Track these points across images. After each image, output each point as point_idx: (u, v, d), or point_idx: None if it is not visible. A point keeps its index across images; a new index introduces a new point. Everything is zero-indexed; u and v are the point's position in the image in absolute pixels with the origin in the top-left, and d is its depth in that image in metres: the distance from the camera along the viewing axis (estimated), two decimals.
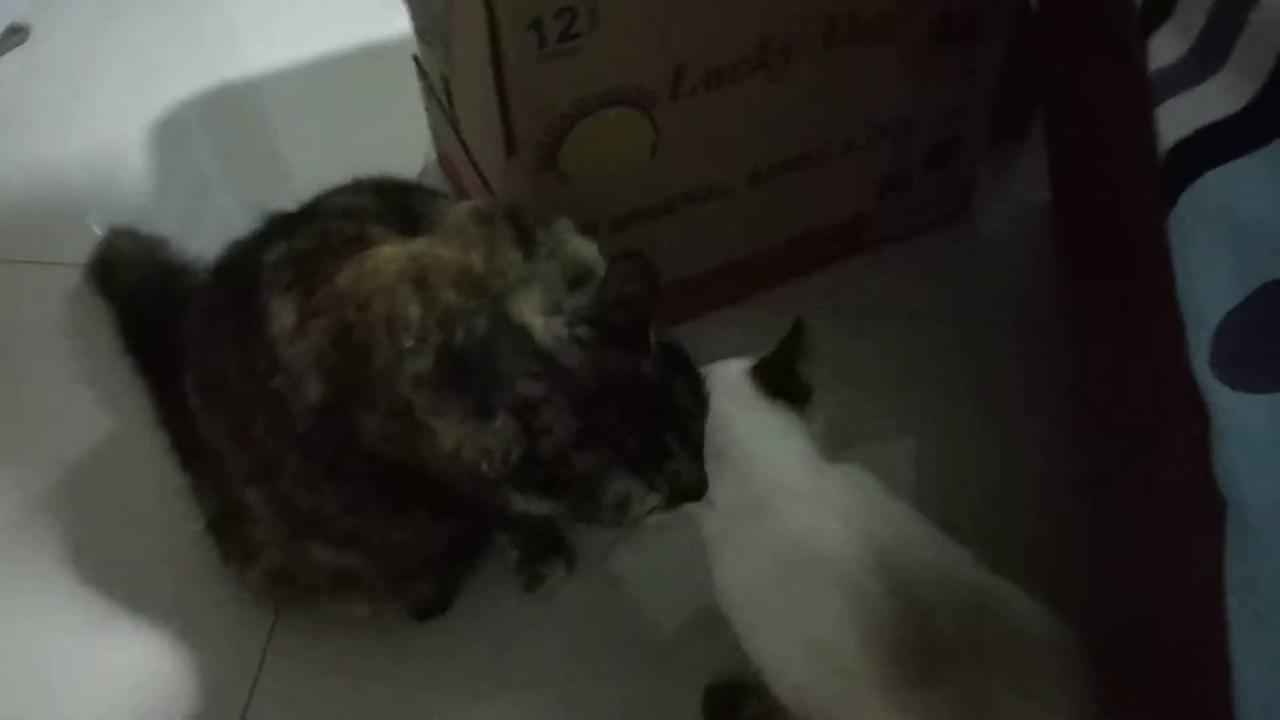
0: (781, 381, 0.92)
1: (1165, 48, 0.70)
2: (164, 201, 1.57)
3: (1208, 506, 0.59)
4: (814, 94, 1.16)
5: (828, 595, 0.84)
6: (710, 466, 0.88)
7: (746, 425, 0.90)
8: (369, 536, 1.04)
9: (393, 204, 0.95)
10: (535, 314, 0.87)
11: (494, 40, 0.98)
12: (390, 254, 0.90)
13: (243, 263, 0.98)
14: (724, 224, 1.25)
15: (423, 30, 1.23)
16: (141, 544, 1.26)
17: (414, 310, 0.87)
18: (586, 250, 0.95)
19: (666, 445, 0.87)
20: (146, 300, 1.38)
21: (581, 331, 0.86)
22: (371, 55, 1.73)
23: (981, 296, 1.41)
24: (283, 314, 0.91)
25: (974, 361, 1.35)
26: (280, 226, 0.97)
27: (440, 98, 1.31)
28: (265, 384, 0.93)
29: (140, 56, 1.77)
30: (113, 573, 1.24)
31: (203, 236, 1.16)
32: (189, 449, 1.20)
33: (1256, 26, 0.62)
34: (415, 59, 1.37)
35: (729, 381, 0.92)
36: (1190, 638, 0.67)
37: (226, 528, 1.12)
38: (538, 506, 0.90)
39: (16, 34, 1.75)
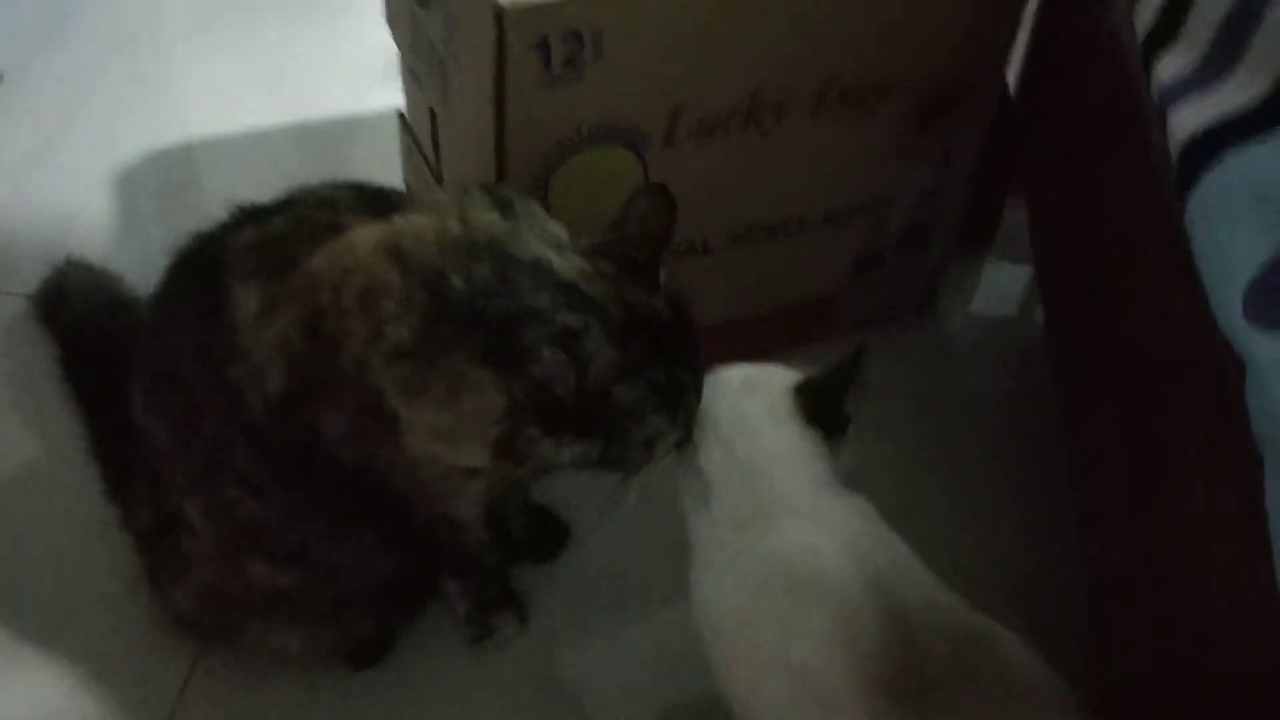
0: (823, 406, 0.90)
1: (1173, 65, 0.73)
2: (122, 244, 1.54)
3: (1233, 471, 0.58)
4: (801, 158, 1.18)
5: (816, 613, 0.80)
6: (722, 470, 0.86)
7: (774, 439, 0.88)
8: (309, 553, 0.97)
9: (372, 198, 0.93)
10: (547, 250, 0.85)
11: (499, 59, 0.98)
12: (365, 232, 0.87)
13: (206, 248, 0.94)
14: (700, 284, 1.24)
15: (413, 68, 1.24)
16: (55, 576, 1.18)
17: (393, 276, 0.84)
18: (560, 231, 0.93)
19: (683, 382, 0.86)
20: (93, 330, 1.33)
21: (605, 265, 0.85)
22: (344, 127, 1.74)
23: (948, 382, 1.44)
24: (247, 299, 0.87)
25: (940, 441, 1.35)
26: (250, 214, 0.94)
27: (425, 150, 1.30)
28: (221, 373, 0.88)
29: (108, 107, 1.77)
30: (21, 605, 1.15)
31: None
32: (121, 474, 1.14)
33: (1271, 27, 0.65)
34: (400, 114, 1.38)
35: (771, 392, 0.90)
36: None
37: (157, 543, 1.04)
38: (570, 452, 0.86)
39: None
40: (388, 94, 1.53)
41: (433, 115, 1.22)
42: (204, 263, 0.92)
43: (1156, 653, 0.83)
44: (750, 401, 0.89)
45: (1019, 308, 1.61)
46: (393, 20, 1.26)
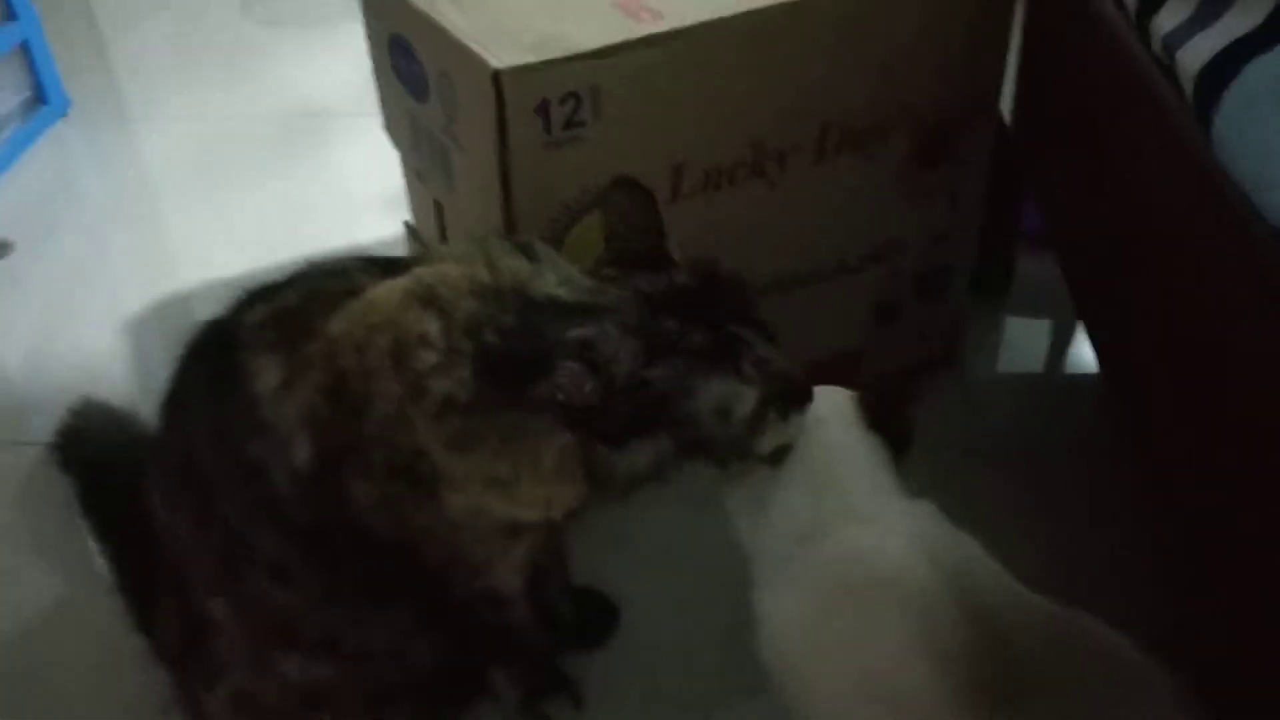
0: (886, 415, 0.87)
1: (1171, 18, 0.73)
2: (134, 387, 1.54)
3: None
4: (809, 206, 1.18)
5: (891, 618, 0.75)
6: (786, 481, 0.83)
7: (840, 444, 0.86)
8: (344, 641, 0.93)
9: (383, 264, 0.91)
10: (558, 287, 0.84)
11: (501, 126, 1.00)
12: (388, 287, 0.86)
13: (217, 332, 0.91)
14: None
15: (416, 167, 1.25)
16: (89, 714, 1.13)
17: (432, 325, 0.82)
18: (574, 269, 0.90)
19: (738, 336, 0.82)
20: (111, 465, 1.30)
21: (609, 271, 0.84)
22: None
23: (977, 432, 1.40)
24: (266, 372, 0.85)
25: (969, 490, 1.30)
26: (259, 293, 0.92)
27: (433, 248, 1.31)
28: (242, 451, 0.85)
29: (112, 267, 1.81)
30: None
31: None
32: (147, 600, 1.09)
33: None
34: (406, 224, 1.39)
35: (835, 400, 0.88)
36: None
37: (187, 654, 0.99)
38: (644, 455, 0.82)
39: (3, 249, 1.82)
40: (386, 223, 1.58)
41: (439, 208, 1.23)
42: (216, 345, 0.90)
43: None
44: (820, 408, 0.87)
45: (1044, 363, 1.60)
46: (391, 124, 1.29)
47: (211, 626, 0.94)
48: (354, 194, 1.87)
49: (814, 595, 0.78)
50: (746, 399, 0.83)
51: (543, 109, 1.00)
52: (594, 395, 0.77)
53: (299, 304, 0.89)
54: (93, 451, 1.33)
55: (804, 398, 0.86)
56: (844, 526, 0.80)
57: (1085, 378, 1.54)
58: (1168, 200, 0.89)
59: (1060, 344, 1.62)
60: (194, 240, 1.86)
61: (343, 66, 2.18)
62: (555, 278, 0.85)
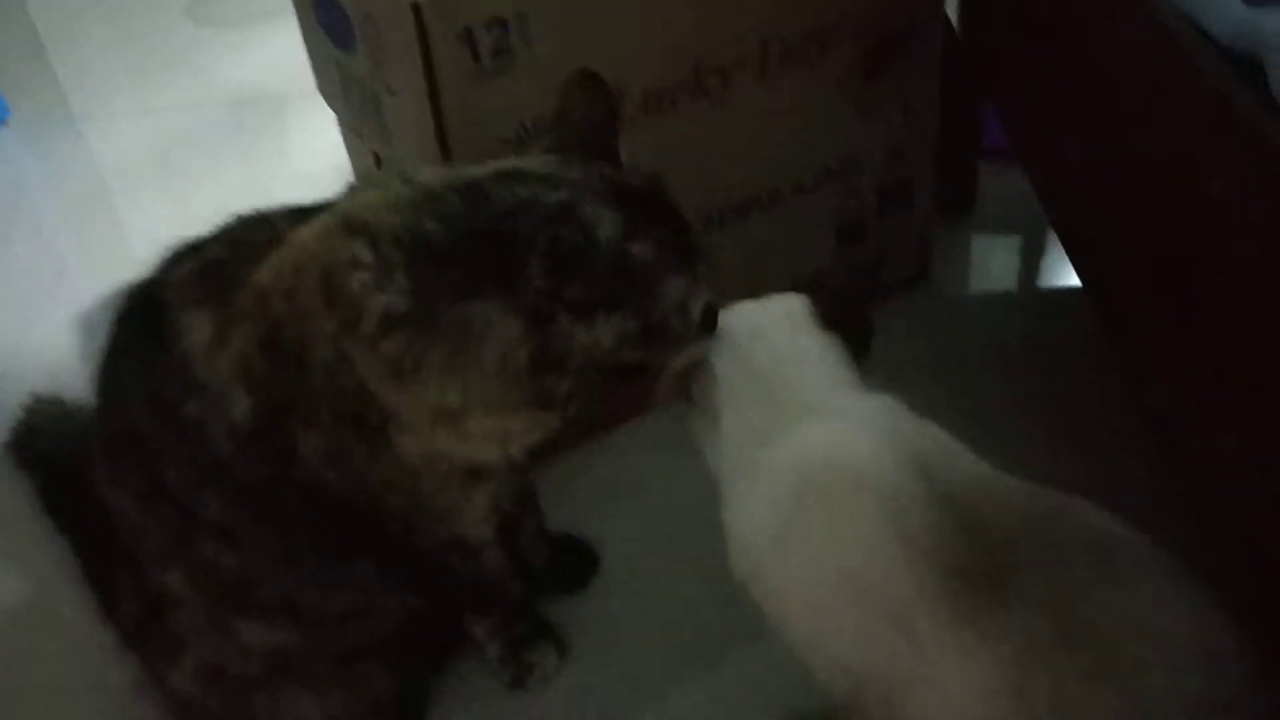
0: (841, 313, 0.84)
1: None
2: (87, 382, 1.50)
3: None
4: (757, 125, 1.15)
5: (859, 511, 0.71)
6: (740, 380, 0.80)
7: (789, 344, 0.82)
8: (303, 602, 0.89)
9: (306, 210, 0.87)
10: (511, 162, 0.82)
11: (427, 59, 0.96)
12: (309, 227, 0.82)
13: (144, 293, 0.88)
14: None
15: (350, 123, 1.21)
16: (62, 706, 1.11)
17: (357, 247, 0.78)
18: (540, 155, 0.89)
19: (692, 243, 0.82)
20: (67, 458, 1.27)
21: (568, 155, 0.82)
22: None
23: (952, 345, 1.38)
24: (196, 328, 0.82)
25: (948, 398, 1.26)
26: (185, 251, 0.89)
27: None
28: (178, 413, 0.82)
29: (65, 265, 1.77)
30: None
31: None
32: (112, 588, 1.06)
33: None
34: (349, 186, 1.35)
35: (784, 305, 0.85)
36: None
37: (149, 629, 0.96)
38: (607, 333, 0.79)
39: None
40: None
41: (377, 161, 1.19)
42: (143, 307, 0.87)
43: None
44: (767, 313, 0.84)
45: (1016, 280, 1.57)
46: (322, 83, 1.25)
47: (169, 601, 0.91)
48: (313, 175, 1.80)
49: (776, 496, 0.74)
50: (698, 301, 0.82)
51: (468, 38, 0.97)
52: (581, 257, 0.76)
53: (225, 257, 0.86)
54: (48, 446, 1.30)
55: (714, 323, 0.85)
56: (801, 423, 0.77)
57: (1059, 292, 1.51)
58: (1132, 76, 0.86)
59: (1031, 260, 1.60)
60: (152, 236, 1.80)
61: (290, 52, 2.13)
62: (508, 161, 0.83)
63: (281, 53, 2.18)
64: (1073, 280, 1.52)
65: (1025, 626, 0.66)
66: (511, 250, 0.76)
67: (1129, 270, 0.97)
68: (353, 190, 0.87)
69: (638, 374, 0.84)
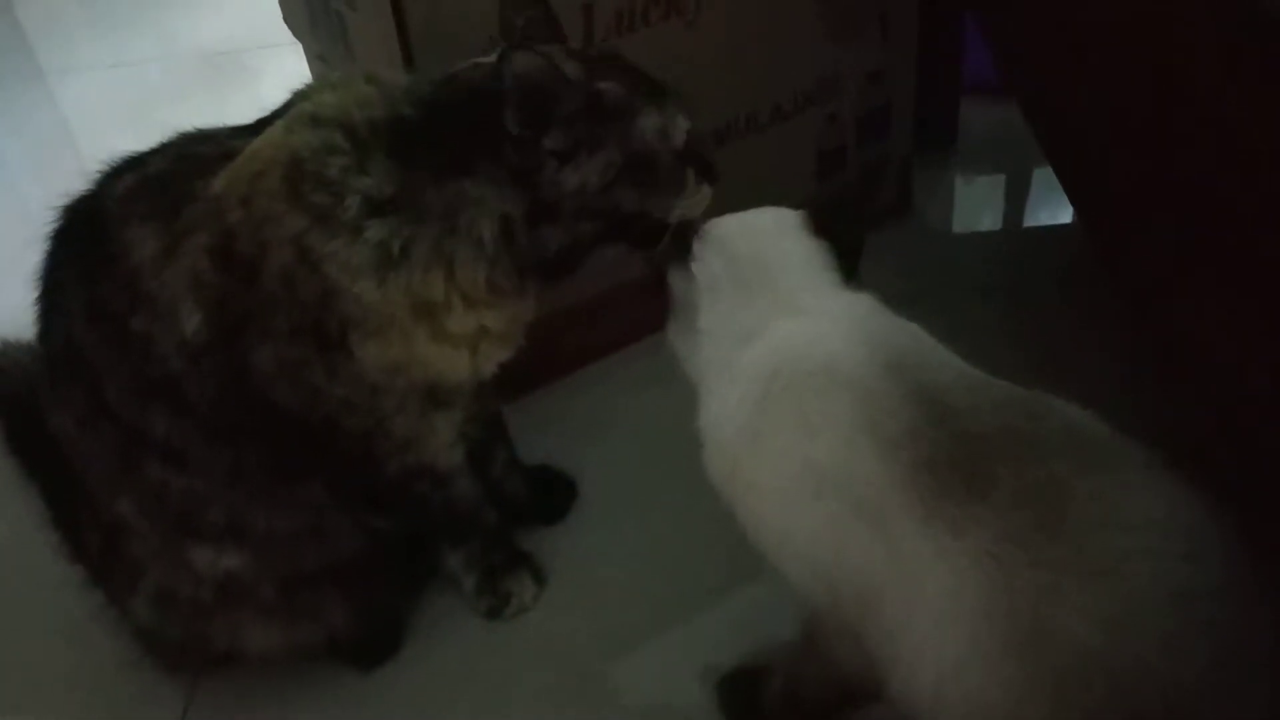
0: (833, 221, 0.82)
1: None
2: None
3: None
4: (732, 46, 1.12)
5: (831, 406, 0.69)
6: (724, 278, 0.78)
7: (775, 247, 0.80)
8: (250, 521, 0.87)
9: (254, 124, 0.85)
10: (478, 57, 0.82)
11: None
12: (267, 134, 0.80)
13: (83, 210, 0.85)
14: None
15: (318, 52, 1.18)
16: (37, 647, 1.08)
17: (328, 134, 0.76)
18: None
19: (659, 84, 0.85)
20: (34, 400, 1.25)
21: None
22: None
23: (937, 281, 1.34)
24: (143, 242, 0.80)
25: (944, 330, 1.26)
26: (124, 165, 0.86)
27: None
28: (125, 329, 0.80)
29: (36, 224, 1.72)
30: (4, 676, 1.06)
31: None
32: (75, 520, 1.04)
33: None
34: None
35: (774, 213, 0.83)
36: None
37: (108, 559, 0.93)
38: (593, 171, 0.81)
39: None
40: None
41: None
42: (84, 223, 0.84)
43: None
44: (755, 217, 0.82)
45: (1000, 218, 1.55)
46: (288, 13, 1.22)
47: (123, 527, 0.89)
48: None
49: (750, 392, 0.72)
50: (680, 125, 0.84)
51: None
52: (556, 86, 0.77)
53: (170, 170, 0.83)
54: (14, 388, 1.28)
55: (713, 172, 0.88)
56: (779, 321, 0.75)
57: (1042, 230, 1.49)
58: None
59: (1015, 197, 1.57)
60: None
61: (263, 7, 2.11)
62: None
63: (253, 9, 2.14)
64: (1056, 218, 1.51)
65: (1001, 519, 0.64)
66: (488, 114, 0.76)
67: (1129, 191, 0.95)
68: (302, 95, 0.84)
69: (642, 233, 0.86)
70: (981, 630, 0.63)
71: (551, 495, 1.10)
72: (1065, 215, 1.46)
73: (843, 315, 0.75)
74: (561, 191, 0.80)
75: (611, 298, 1.18)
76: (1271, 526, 0.70)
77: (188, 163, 0.82)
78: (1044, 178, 1.48)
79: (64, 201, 0.86)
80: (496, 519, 1.00)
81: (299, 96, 0.84)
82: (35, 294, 0.88)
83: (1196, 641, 0.60)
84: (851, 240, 0.82)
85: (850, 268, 0.81)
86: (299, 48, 1.26)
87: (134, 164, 0.84)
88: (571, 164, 0.79)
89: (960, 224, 1.53)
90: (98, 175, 0.85)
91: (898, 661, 0.68)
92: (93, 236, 0.81)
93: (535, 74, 0.76)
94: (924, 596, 0.65)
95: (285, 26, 1.25)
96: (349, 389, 0.81)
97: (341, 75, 0.86)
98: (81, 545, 1.01)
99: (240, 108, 0.88)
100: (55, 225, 0.86)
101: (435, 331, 0.80)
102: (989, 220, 1.55)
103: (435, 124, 0.78)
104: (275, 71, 1.92)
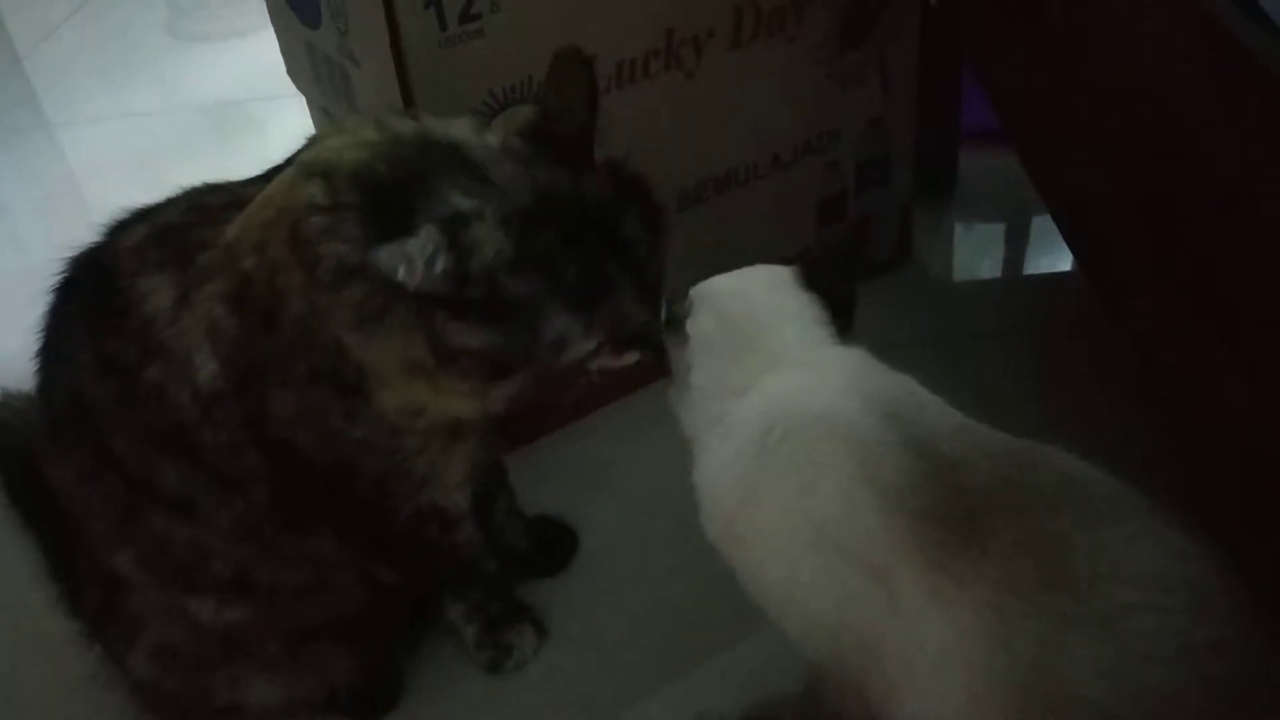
0: (824, 276, 0.81)
1: None
2: None
3: None
4: (732, 97, 1.14)
5: (828, 457, 0.69)
6: (716, 335, 0.77)
7: (764, 302, 0.79)
8: (256, 575, 0.86)
9: (266, 173, 0.85)
10: (469, 133, 0.78)
11: (393, 27, 0.94)
12: (278, 180, 0.80)
13: (89, 260, 0.85)
14: None
15: (321, 104, 1.19)
16: (35, 701, 1.07)
17: (314, 188, 0.75)
18: (499, 131, 0.83)
19: (609, 278, 0.76)
20: (33, 451, 1.25)
21: (514, 143, 0.77)
22: None
23: (938, 330, 1.35)
24: (156, 291, 0.80)
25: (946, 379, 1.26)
26: (134, 217, 0.86)
27: None
28: (138, 379, 0.80)
29: (42, 276, 1.73)
30: None
31: None
32: (73, 573, 1.03)
33: None
34: None
35: (770, 269, 0.83)
36: None
37: (106, 614, 0.93)
38: (472, 337, 0.75)
39: None
40: None
41: None
42: (91, 277, 0.84)
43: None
44: (748, 275, 0.82)
45: (1000, 266, 1.55)
46: (292, 67, 1.23)
47: (121, 582, 0.89)
48: None
49: (745, 446, 0.72)
50: (582, 347, 0.78)
51: (434, 3, 0.95)
52: (445, 274, 0.70)
53: (181, 220, 0.83)
54: (15, 440, 1.28)
55: (645, 346, 0.81)
56: (772, 375, 0.75)
57: (1042, 278, 1.49)
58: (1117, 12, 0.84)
59: (1015, 245, 1.58)
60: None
61: (268, 63, 2.13)
62: (469, 124, 0.80)
63: (259, 64, 2.16)
64: (1056, 266, 1.51)
65: (1003, 570, 0.63)
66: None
67: (1130, 238, 0.95)
68: (313, 141, 0.85)
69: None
70: (982, 682, 0.62)
71: (552, 546, 1.10)
72: (1065, 263, 1.46)
73: (836, 368, 0.75)
74: (454, 338, 0.76)
75: None
76: (1276, 578, 0.70)
77: (199, 213, 0.83)
78: (1043, 225, 1.49)
79: (71, 253, 0.86)
80: (497, 569, 0.99)
81: (313, 142, 0.84)
82: (38, 345, 0.88)
83: (1199, 695, 0.59)
84: (843, 294, 0.82)
85: (844, 321, 0.81)
86: (303, 100, 1.27)
87: (144, 216, 0.85)
88: (460, 323, 0.75)
89: (960, 272, 1.53)
90: (106, 227, 0.86)
91: (900, 713, 0.67)
92: (101, 288, 0.82)
93: (432, 261, 0.70)
94: (925, 648, 0.64)
95: (289, 79, 1.26)
96: (369, 431, 0.81)
97: (355, 119, 0.85)
98: (80, 599, 1.01)
99: (246, 159, 0.89)
100: (62, 277, 0.86)
101: (434, 386, 0.79)
102: (989, 268, 1.56)
103: (396, 191, 0.75)
104: (279, 123, 1.94)
